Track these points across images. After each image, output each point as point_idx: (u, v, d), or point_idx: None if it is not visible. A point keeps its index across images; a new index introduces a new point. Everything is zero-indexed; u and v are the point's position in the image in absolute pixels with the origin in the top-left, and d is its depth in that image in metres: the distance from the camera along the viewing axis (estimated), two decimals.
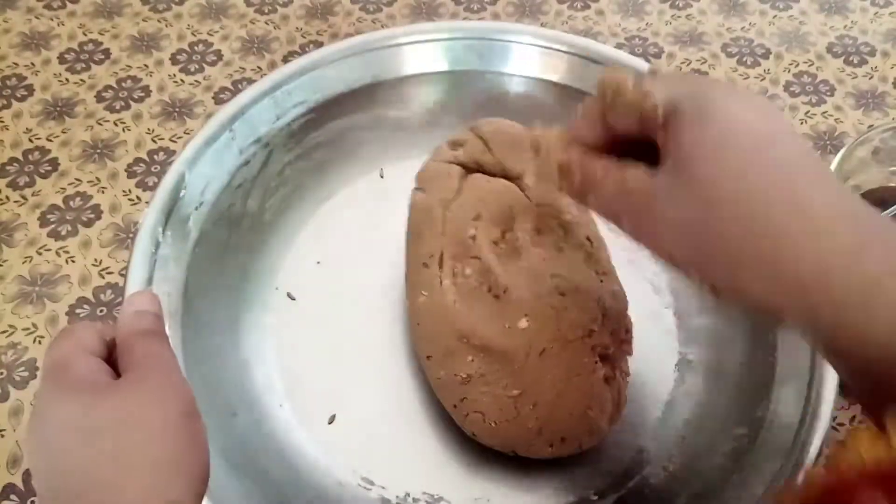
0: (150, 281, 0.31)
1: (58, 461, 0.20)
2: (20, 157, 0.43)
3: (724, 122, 0.19)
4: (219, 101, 0.46)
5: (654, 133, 0.21)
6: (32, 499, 0.33)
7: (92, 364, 0.22)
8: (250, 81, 0.47)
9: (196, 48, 0.49)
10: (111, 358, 0.23)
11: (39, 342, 0.37)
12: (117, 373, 0.22)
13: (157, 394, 0.22)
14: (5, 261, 0.40)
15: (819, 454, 0.29)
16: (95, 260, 0.40)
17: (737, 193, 0.19)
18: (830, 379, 0.30)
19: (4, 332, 0.37)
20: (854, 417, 0.35)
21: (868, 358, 0.18)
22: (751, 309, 0.22)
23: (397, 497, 0.32)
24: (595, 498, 0.32)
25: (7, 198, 0.42)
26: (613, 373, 0.31)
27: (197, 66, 0.48)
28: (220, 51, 0.49)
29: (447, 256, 0.32)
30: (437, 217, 0.33)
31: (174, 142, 0.44)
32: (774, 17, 0.52)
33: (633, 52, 0.48)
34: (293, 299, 0.37)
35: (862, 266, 0.17)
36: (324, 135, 0.40)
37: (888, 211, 0.37)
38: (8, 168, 0.43)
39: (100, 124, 0.45)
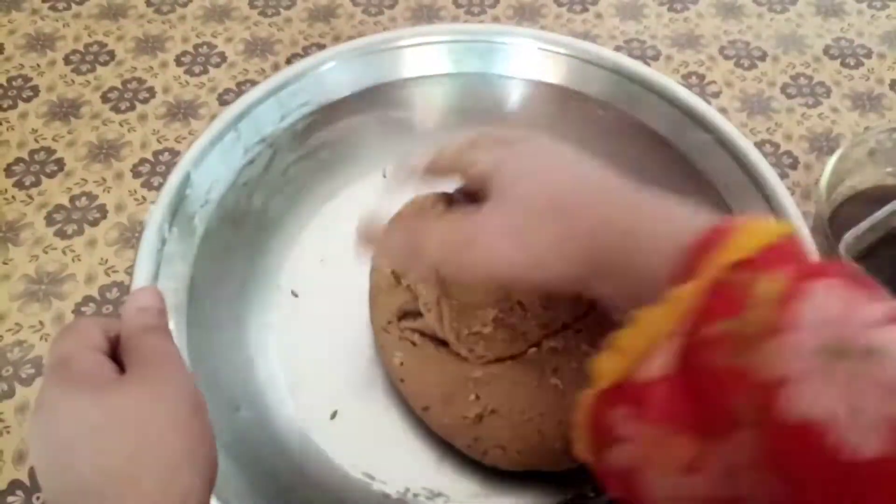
0: (155, 277, 0.32)
1: (65, 457, 0.20)
2: (26, 158, 0.44)
3: (518, 164, 0.26)
4: (223, 102, 0.47)
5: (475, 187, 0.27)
6: (38, 494, 0.33)
7: (96, 360, 0.22)
8: (254, 83, 0.47)
9: (200, 50, 0.50)
10: (115, 353, 0.23)
11: (45, 340, 0.37)
12: (122, 369, 0.23)
13: (163, 388, 0.22)
14: (11, 259, 0.40)
15: None
16: (101, 259, 0.40)
17: (541, 204, 0.24)
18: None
19: (11, 329, 0.38)
20: None
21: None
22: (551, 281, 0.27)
23: (398, 492, 0.32)
24: (592, 495, 0.33)
25: (13, 197, 0.42)
26: None
27: (201, 68, 0.49)
28: (223, 53, 0.50)
29: (409, 314, 0.32)
30: (391, 281, 0.33)
31: (179, 142, 0.45)
32: (771, 19, 0.53)
33: (631, 55, 0.49)
34: (296, 297, 0.37)
35: (618, 225, 0.23)
36: (328, 135, 0.40)
37: (885, 209, 0.37)
38: (14, 168, 0.43)
39: (105, 125, 0.46)
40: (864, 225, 0.36)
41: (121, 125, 0.46)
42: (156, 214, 0.33)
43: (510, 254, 0.24)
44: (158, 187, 0.43)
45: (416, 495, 0.32)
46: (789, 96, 0.48)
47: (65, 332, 0.23)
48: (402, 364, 0.32)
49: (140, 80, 0.48)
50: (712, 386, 0.18)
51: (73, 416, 0.21)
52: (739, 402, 0.17)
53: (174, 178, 0.34)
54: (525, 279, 0.25)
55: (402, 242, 0.27)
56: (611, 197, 0.24)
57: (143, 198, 0.43)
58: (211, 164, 0.35)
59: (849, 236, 0.35)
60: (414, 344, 0.32)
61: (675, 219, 0.23)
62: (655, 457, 0.19)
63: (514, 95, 0.42)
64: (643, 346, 0.20)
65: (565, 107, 0.42)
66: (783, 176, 0.44)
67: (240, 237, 0.37)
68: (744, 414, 0.17)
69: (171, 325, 0.31)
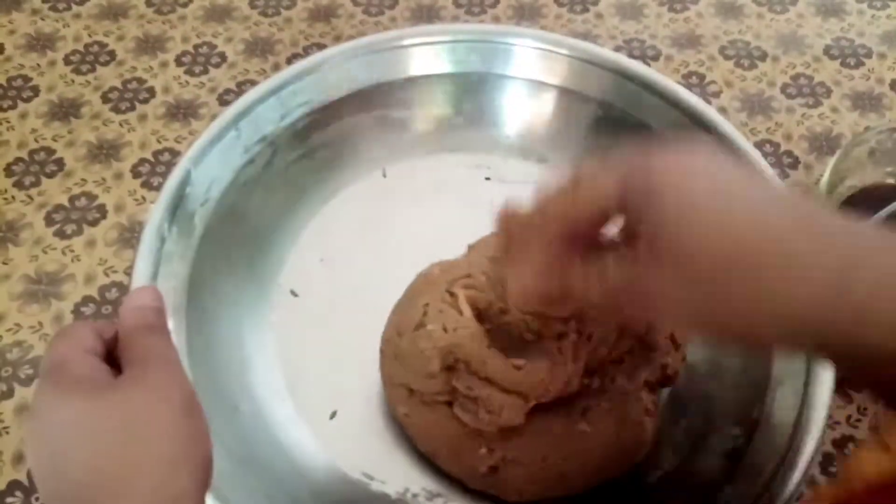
0: (155, 276, 0.32)
1: (61, 461, 0.20)
2: (26, 158, 0.44)
3: (676, 196, 0.20)
4: (223, 102, 0.47)
5: (609, 217, 0.21)
6: (37, 495, 0.33)
7: (91, 363, 0.22)
8: (254, 83, 0.47)
9: (200, 50, 0.50)
10: (111, 356, 0.23)
11: (45, 340, 0.37)
12: (118, 369, 0.23)
13: (158, 390, 0.22)
14: (11, 259, 0.40)
15: (815, 455, 0.29)
16: (101, 259, 0.40)
17: (713, 265, 0.19)
18: (826, 379, 0.30)
19: (10, 330, 0.38)
20: (850, 417, 0.36)
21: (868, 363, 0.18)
22: (756, 347, 0.23)
23: (397, 492, 0.32)
24: (593, 497, 0.32)
25: (13, 197, 0.42)
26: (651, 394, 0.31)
27: (201, 68, 0.49)
28: (224, 53, 0.50)
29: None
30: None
31: (179, 142, 0.45)
32: (772, 19, 0.53)
33: (631, 55, 0.49)
34: (296, 296, 0.37)
35: (848, 297, 0.18)
36: (328, 134, 0.40)
37: (884, 210, 0.37)
38: (14, 168, 0.43)
39: (105, 125, 0.46)
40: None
41: (121, 125, 0.46)
42: (155, 213, 0.33)
43: (692, 316, 0.20)
44: (158, 187, 0.43)
45: (415, 495, 0.32)
46: (789, 96, 0.48)
47: (60, 337, 0.23)
48: (406, 415, 0.31)
49: (140, 81, 0.48)
50: None
51: (67, 420, 0.21)
52: None
53: (174, 177, 0.34)
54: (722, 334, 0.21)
55: (548, 285, 0.22)
56: (812, 249, 0.19)
57: (143, 198, 0.43)
58: (211, 163, 0.35)
59: None
60: (424, 403, 0.30)
61: None
62: None
63: (514, 96, 0.42)
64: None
65: (565, 107, 0.42)
66: (783, 176, 0.44)
67: (239, 236, 0.37)
68: None
69: (170, 325, 0.31)
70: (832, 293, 0.18)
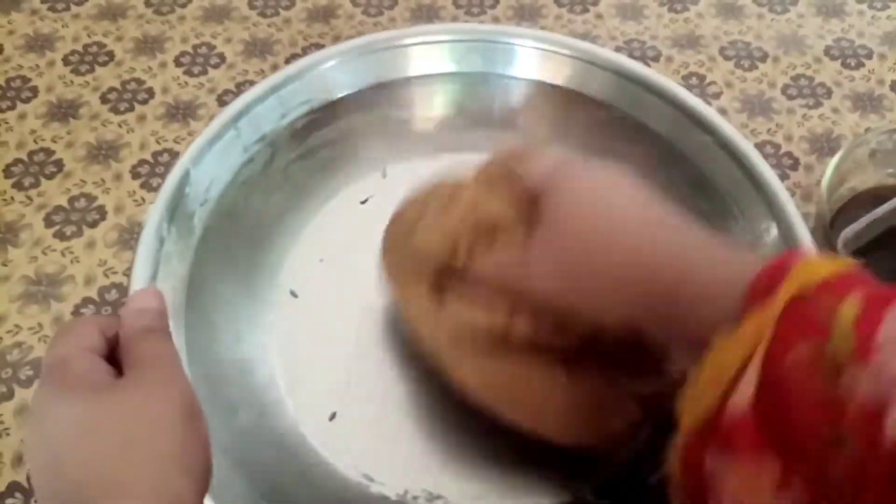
0: (154, 276, 0.32)
1: (59, 460, 0.20)
2: (25, 159, 0.44)
3: (566, 197, 0.26)
4: (222, 102, 0.47)
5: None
6: (36, 498, 0.33)
7: (93, 362, 0.22)
8: (253, 84, 0.47)
9: (199, 51, 0.50)
10: (113, 354, 0.23)
11: (44, 341, 0.37)
12: (119, 369, 0.23)
13: (158, 391, 0.22)
14: (10, 261, 0.40)
15: None
16: (100, 260, 0.40)
17: (580, 242, 0.25)
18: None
19: (10, 331, 0.38)
20: None
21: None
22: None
23: (397, 494, 0.32)
24: (592, 498, 0.32)
25: (12, 198, 0.42)
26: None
27: (200, 69, 0.49)
28: (223, 53, 0.49)
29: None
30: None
31: (178, 143, 0.45)
32: (772, 20, 0.53)
33: (631, 56, 0.49)
34: (296, 296, 0.37)
35: (659, 296, 0.24)
36: (327, 134, 0.40)
37: (884, 206, 0.37)
38: (13, 169, 0.43)
39: (104, 126, 0.46)
40: (863, 221, 0.36)
41: (120, 126, 0.46)
42: (154, 213, 0.33)
43: (563, 290, 0.26)
44: (157, 188, 0.43)
45: (415, 497, 0.32)
46: (790, 97, 0.48)
47: (62, 334, 0.23)
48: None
49: (139, 81, 0.48)
50: (799, 411, 0.18)
51: (67, 419, 0.21)
52: (832, 427, 0.17)
53: (173, 177, 0.34)
54: (578, 313, 0.26)
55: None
56: (665, 240, 0.24)
57: (143, 199, 0.43)
58: (210, 163, 0.35)
59: (847, 231, 0.35)
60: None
61: (729, 261, 0.23)
62: (750, 487, 0.19)
63: (515, 96, 0.42)
64: (723, 381, 0.20)
65: (566, 107, 0.42)
66: (784, 177, 0.44)
67: (239, 236, 0.37)
68: (837, 438, 0.17)
69: (170, 326, 0.31)
70: (662, 273, 0.23)
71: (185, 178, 0.34)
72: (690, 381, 0.21)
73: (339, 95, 0.40)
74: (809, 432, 0.18)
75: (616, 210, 0.25)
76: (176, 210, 0.34)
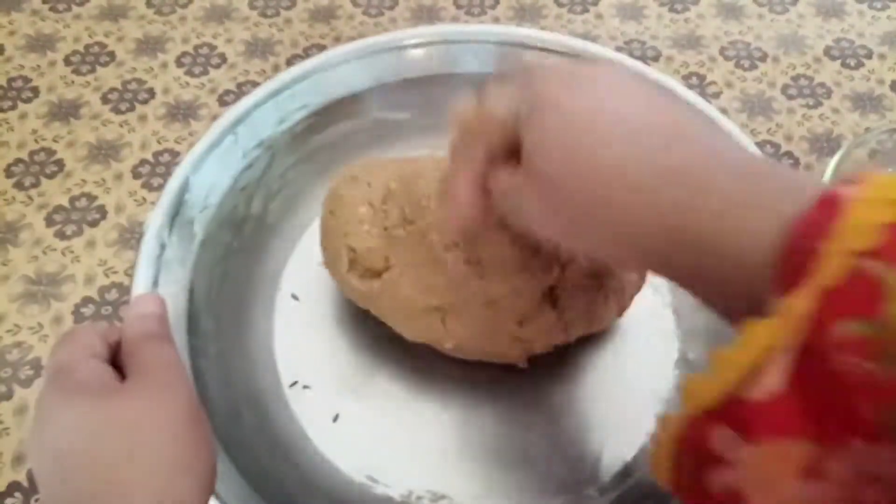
0: (155, 283, 0.32)
1: (63, 465, 0.20)
2: (26, 158, 0.44)
3: (553, 116, 0.21)
4: (223, 103, 0.47)
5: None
6: (37, 497, 0.33)
7: (96, 367, 0.22)
8: (254, 84, 0.47)
9: (200, 51, 0.50)
10: (115, 360, 0.23)
11: (44, 341, 0.37)
12: (122, 375, 0.23)
13: (162, 396, 0.22)
14: (11, 260, 0.40)
15: None
16: (100, 260, 0.40)
17: (573, 195, 0.20)
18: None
19: (10, 331, 0.38)
20: None
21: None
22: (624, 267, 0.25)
23: (401, 495, 0.32)
24: (595, 495, 0.32)
25: (13, 198, 0.42)
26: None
27: (201, 69, 0.49)
28: (224, 54, 0.49)
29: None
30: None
31: (179, 143, 0.45)
32: (772, 20, 0.53)
33: (631, 56, 0.49)
34: (297, 300, 0.37)
35: (686, 230, 0.19)
36: (326, 138, 0.40)
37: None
38: (14, 169, 0.43)
39: (105, 126, 0.46)
40: None
41: (120, 126, 0.46)
42: (155, 220, 0.33)
43: (561, 235, 0.22)
44: (158, 188, 0.43)
45: (419, 498, 0.32)
46: (790, 97, 0.48)
47: (64, 340, 0.23)
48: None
49: (140, 81, 0.48)
50: (842, 393, 0.16)
51: (70, 425, 0.21)
52: (880, 411, 0.15)
53: (173, 184, 0.34)
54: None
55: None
56: (678, 174, 0.19)
57: (143, 199, 0.43)
58: (209, 169, 0.35)
59: None
60: None
61: (767, 188, 0.18)
62: (766, 474, 0.17)
63: None
64: (749, 364, 0.17)
65: None
66: None
67: (239, 241, 0.37)
68: (885, 424, 0.15)
69: (172, 330, 0.31)
70: (672, 224, 0.19)
71: (184, 185, 0.34)
72: (709, 362, 0.18)
73: (337, 99, 0.40)
74: (856, 420, 0.16)
75: (609, 149, 0.20)
76: (176, 216, 0.34)
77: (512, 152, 0.22)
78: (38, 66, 0.48)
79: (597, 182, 0.20)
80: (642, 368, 0.35)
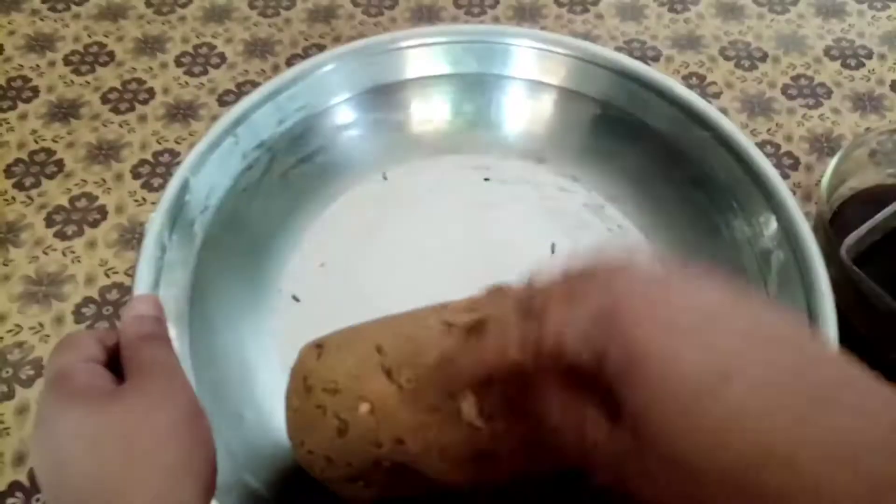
0: (156, 285, 0.32)
1: (64, 471, 0.20)
2: (26, 159, 0.44)
3: (661, 370, 0.16)
4: (223, 103, 0.47)
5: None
6: (38, 496, 0.33)
7: (94, 371, 0.22)
8: (254, 84, 0.47)
9: (200, 51, 0.50)
10: (114, 364, 0.23)
11: (45, 341, 0.37)
12: (121, 377, 0.23)
13: (160, 398, 0.22)
14: (11, 261, 0.40)
15: None
16: (101, 260, 0.40)
17: (711, 478, 0.15)
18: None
19: (11, 331, 0.38)
20: None
21: None
22: None
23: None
24: (593, 496, 0.32)
25: (13, 198, 0.42)
26: None
27: (201, 69, 0.49)
28: (223, 53, 0.49)
29: None
30: None
31: (179, 143, 0.45)
32: (772, 20, 0.53)
33: (631, 56, 0.49)
34: (298, 301, 0.37)
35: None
36: (326, 139, 0.40)
37: (884, 211, 0.37)
38: (14, 169, 0.43)
39: (105, 126, 0.46)
40: (865, 227, 0.36)
41: (120, 126, 0.46)
42: (155, 222, 0.33)
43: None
44: (158, 188, 0.43)
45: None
46: (790, 97, 0.48)
47: (62, 346, 0.23)
48: None
49: (140, 81, 0.48)
50: None
51: (70, 430, 0.21)
52: None
53: (173, 185, 0.34)
54: None
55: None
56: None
57: (143, 199, 0.43)
58: (209, 171, 0.35)
59: (850, 239, 0.35)
60: None
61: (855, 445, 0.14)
62: None
63: (512, 96, 0.42)
64: None
65: (563, 107, 0.42)
66: (784, 177, 0.44)
67: (240, 243, 0.37)
68: None
69: (173, 333, 0.31)
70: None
71: (184, 187, 0.34)
72: None
73: (336, 100, 0.40)
74: None
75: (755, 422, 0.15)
76: (176, 218, 0.34)
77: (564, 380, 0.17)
78: (38, 66, 0.48)
79: (752, 470, 0.15)
80: None
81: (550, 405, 0.18)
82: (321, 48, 0.50)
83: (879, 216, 0.37)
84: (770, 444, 0.15)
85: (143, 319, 0.24)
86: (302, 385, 0.29)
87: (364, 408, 0.27)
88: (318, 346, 0.30)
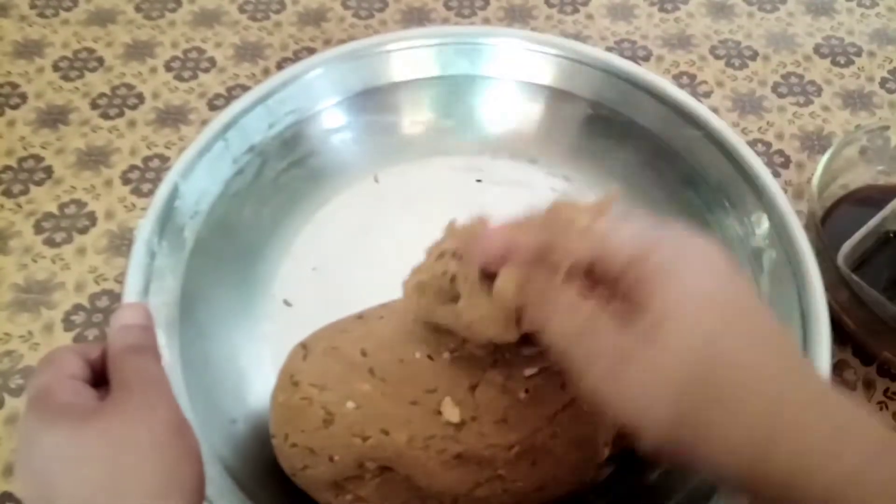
0: (146, 291, 0.32)
1: (48, 491, 0.20)
2: (14, 165, 0.44)
3: (693, 286, 0.19)
4: (213, 107, 0.47)
5: (608, 274, 0.20)
6: None
7: (76, 388, 0.22)
8: (244, 88, 0.47)
9: (190, 55, 0.49)
10: (100, 375, 0.23)
11: (35, 349, 0.37)
12: (107, 388, 0.22)
13: (143, 412, 0.21)
14: (0, 269, 0.40)
15: None
16: (91, 267, 0.40)
17: (694, 379, 0.18)
18: (824, 371, 0.30)
19: (0, 339, 0.37)
20: None
21: None
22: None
23: None
24: (592, 497, 0.32)
25: (2, 205, 0.42)
26: None
27: (191, 73, 0.48)
28: (213, 58, 0.49)
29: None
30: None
31: (168, 148, 0.45)
32: (762, 18, 0.53)
33: (622, 56, 0.49)
34: (290, 306, 0.37)
35: (840, 464, 0.18)
36: (316, 142, 0.40)
37: (877, 217, 0.37)
38: (2, 176, 0.43)
39: (94, 131, 0.45)
40: (859, 234, 0.36)
41: (110, 132, 0.45)
42: (145, 228, 0.33)
43: (662, 416, 0.18)
44: (148, 194, 0.43)
45: None
46: (780, 95, 0.48)
47: (43, 364, 0.22)
48: None
49: (129, 86, 0.48)
50: None
51: (52, 452, 0.20)
52: None
53: (163, 191, 0.34)
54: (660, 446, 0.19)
55: (513, 291, 0.21)
56: (791, 389, 0.18)
57: (133, 205, 0.42)
58: (199, 176, 0.35)
59: (845, 247, 0.35)
60: None
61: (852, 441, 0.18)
62: None
63: (502, 97, 0.42)
64: None
65: (554, 107, 0.42)
66: (775, 175, 0.44)
67: (231, 248, 0.37)
68: None
69: (163, 340, 0.31)
70: (824, 460, 0.18)
71: (174, 192, 0.34)
72: None
73: (327, 103, 0.40)
74: None
75: (743, 332, 0.19)
76: (166, 224, 0.33)
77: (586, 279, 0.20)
78: (26, 71, 0.48)
79: (729, 373, 0.18)
80: None
81: (562, 303, 0.20)
82: (311, 51, 0.50)
83: (872, 222, 0.37)
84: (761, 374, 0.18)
85: (129, 329, 0.24)
86: (288, 381, 0.29)
87: (351, 404, 0.27)
88: (304, 347, 0.30)
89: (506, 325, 0.23)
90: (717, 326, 0.18)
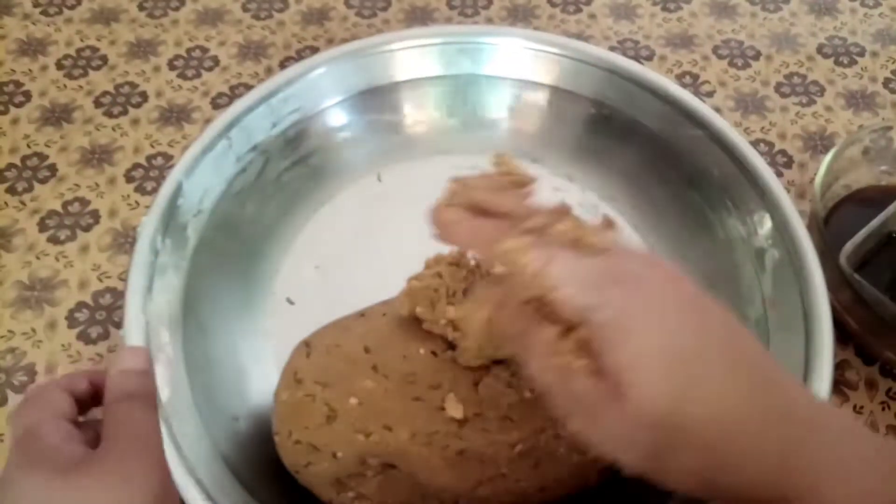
0: (149, 289, 0.32)
1: None
2: (18, 163, 0.44)
3: (650, 346, 0.18)
4: (216, 106, 0.47)
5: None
6: None
7: (62, 432, 0.21)
8: (247, 87, 0.47)
9: (193, 54, 0.49)
10: (87, 406, 0.23)
11: (38, 347, 0.37)
12: (98, 424, 0.22)
13: (129, 473, 0.20)
14: (3, 266, 0.40)
15: None
16: (94, 264, 0.40)
17: (679, 431, 0.18)
18: (825, 377, 0.30)
19: (3, 336, 0.37)
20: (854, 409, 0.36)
21: None
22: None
23: None
24: (593, 497, 0.32)
25: (6, 203, 0.42)
26: None
27: (194, 72, 0.48)
28: (217, 56, 0.49)
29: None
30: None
31: (172, 147, 0.45)
32: (765, 18, 0.53)
33: (625, 55, 0.49)
34: (292, 304, 0.37)
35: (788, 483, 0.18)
36: (320, 141, 0.40)
37: (879, 217, 0.37)
38: (6, 174, 0.43)
39: (98, 130, 0.45)
40: (861, 234, 0.36)
41: (113, 130, 0.45)
42: (148, 225, 0.33)
43: (635, 458, 0.19)
44: (152, 192, 0.43)
45: None
46: (783, 95, 0.48)
47: (29, 401, 0.22)
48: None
49: (133, 85, 0.48)
50: None
51: (30, 493, 0.19)
52: None
53: (166, 189, 0.34)
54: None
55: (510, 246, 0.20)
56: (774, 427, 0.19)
57: (137, 203, 0.42)
58: (203, 174, 0.35)
59: (848, 247, 0.35)
60: None
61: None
62: None
63: (507, 96, 0.42)
64: None
65: (557, 106, 0.42)
66: (778, 175, 0.44)
67: (233, 246, 0.37)
68: None
69: (166, 337, 0.31)
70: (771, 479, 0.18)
71: (177, 190, 0.34)
72: None
73: (330, 102, 0.40)
74: None
75: (721, 389, 0.19)
76: (169, 222, 0.34)
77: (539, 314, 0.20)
78: (30, 70, 0.48)
79: (702, 434, 0.18)
80: None
81: (541, 344, 0.20)
82: (314, 50, 0.50)
83: (875, 222, 0.37)
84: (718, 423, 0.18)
85: (127, 375, 0.23)
86: (292, 378, 0.29)
87: (354, 401, 0.27)
88: (307, 344, 0.30)
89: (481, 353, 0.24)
90: (678, 380, 0.18)
